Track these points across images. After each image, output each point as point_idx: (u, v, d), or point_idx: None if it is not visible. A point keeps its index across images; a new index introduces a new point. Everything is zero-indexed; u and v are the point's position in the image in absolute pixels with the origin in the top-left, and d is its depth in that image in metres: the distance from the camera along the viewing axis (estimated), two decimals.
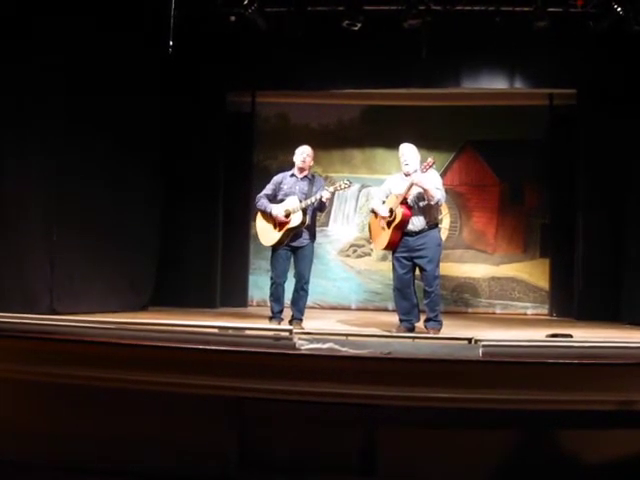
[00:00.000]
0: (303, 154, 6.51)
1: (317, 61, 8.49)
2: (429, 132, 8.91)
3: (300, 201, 6.32)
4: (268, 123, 9.51)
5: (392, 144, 8.07)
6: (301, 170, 6.50)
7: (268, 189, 6.59)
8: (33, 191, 6.61)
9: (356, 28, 7.71)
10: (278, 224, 6.37)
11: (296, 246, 6.40)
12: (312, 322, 6.71)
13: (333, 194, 6.41)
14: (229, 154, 9.08)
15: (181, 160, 8.79)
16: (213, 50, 8.62)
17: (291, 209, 6.32)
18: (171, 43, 6.95)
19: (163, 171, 8.48)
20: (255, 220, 6.71)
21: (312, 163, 6.61)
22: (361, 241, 9.44)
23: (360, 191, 9.45)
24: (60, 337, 3.73)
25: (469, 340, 3.91)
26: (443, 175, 8.58)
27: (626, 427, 3.37)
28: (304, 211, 6.30)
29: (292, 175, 6.54)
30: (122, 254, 7.64)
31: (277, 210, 6.37)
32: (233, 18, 7.86)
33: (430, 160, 6.11)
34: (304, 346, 3.54)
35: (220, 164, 9.01)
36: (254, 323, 6.26)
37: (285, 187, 6.51)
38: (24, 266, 6.55)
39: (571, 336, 5.00)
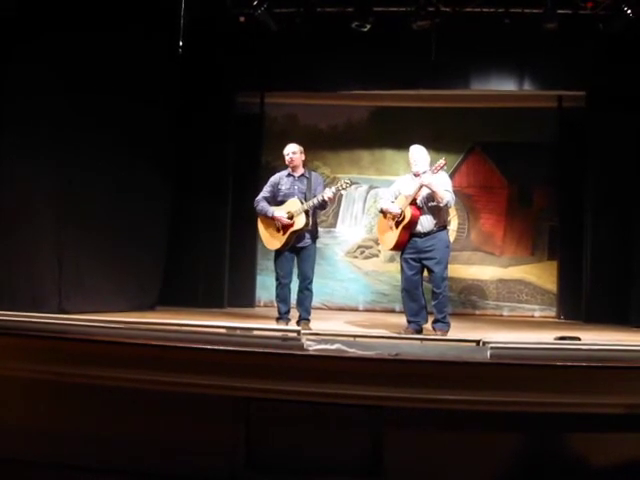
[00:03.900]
0: (288, 154, 6.47)
1: (326, 62, 8.50)
2: (438, 134, 8.91)
3: (302, 202, 6.31)
4: (277, 124, 9.52)
5: (401, 145, 8.10)
6: (294, 168, 6.49)
7: (266, 191, 6.56)
8: (42, 191, 6.64)
9: (365, 29, 7.72)
10: (282, 227, 6.35)
11: (299, 246, 6.40)
12: (319, 323, 6.72)
13: (335, 194, 6.40)
14: (238, 154, 9.10)
15: (190, 160, 8.81)
16: (222, 51, 8.65)
17: (293, 211, 6.31)
18: (181, 44, 6.98)
19: (172, 171, 8.50)
20: (251, 223, 6.68)
21: (303, 158, 6.55)
22: (369, 242, 9.44)
23: (368, 192, 9.45)
24: (68, 336, 3.73)
25: (477, 342, 3.90)
26: (451, 177, 8.49)
27: (634, 430, 3.36)
28: (307, 213, 6.30)
29: (289, 175, 6.52)
30: (130, 254, 7.67)
31: (279, 212, 6.37)
32: (243, 19, 7.88)
33: (441, 161, 6.11)
34: (312, 347, 3.54)
35: (229, 164, 9.03)
36: (262, 323, 6.27)
37: (283, 188, 6.49)
38: (33, 265, 6.58)
39: (579, 339, 4.98)
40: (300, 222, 6.27)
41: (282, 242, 6.36)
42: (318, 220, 6.85)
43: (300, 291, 6.47)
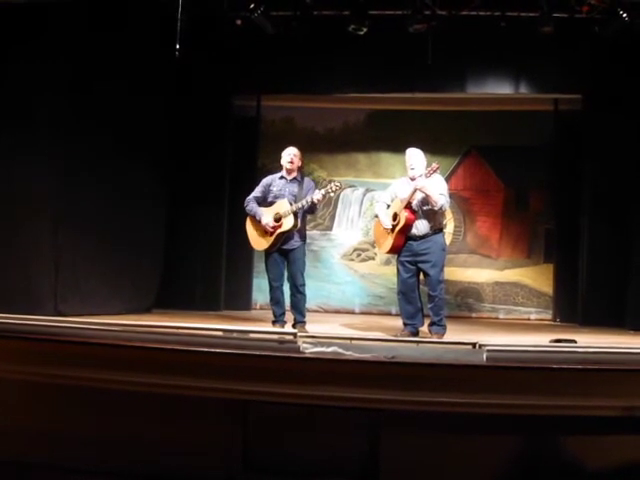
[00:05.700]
0: (290, 155, 6.48)
1: (323, 65, 8.50)
2: (434, 137, 8.92)
3: (291, 204, 6.32)
4: (273, 127, 9.52)
5: (397, 148, 8.10)
6: (289, 172, 6.49)
7: (257, 192, 6.58)
8: (39, 193, 6.64)
9: (362, 33, 7.73)
10: (270, 228, 6.37)
11: (287, 249, 6.39)
12: (316, 326, 6.71)
13: (324, 196, 6.41)
14: (235, 157, 9.09)
15: (186, 163, 8.81)
16: (219, 53, 8.64)
17: (282, 212, 6.31)
18: (178, 46, 6.98)
19: (168, 174, 8.50)
20: (245, 224, 6.66)
21: (300, 164, 6.57)
22: (365, 245, 9.44)
23: (364, 195, 9.45)
24: (65, 339, 3.74)
25: (473, 345, 3.91)
26: (447, 180, 8.52)
27: (630, 433, 3.37)
28: (295, 214, 6.30)
29: (281, 177, 6.53)
30: (127, 256, 7.66)
31: (267, 218, 6.35)
32: (239, 22, 7.87)
33: (434, 165, 6.11)
34: (308, 349, 3.55)
35: (225, 167, 9.02)
36: (258, 326, 6.27)
37: (275, 189, 6.49)
38: (29, 267, 6.58)
39: (575, 341, 4.99)
40: (288, 223, 6.28)
41: (269, 243, 6.37)
42: (307, 225, 6.84)
43: (292, 295, 6.46)
